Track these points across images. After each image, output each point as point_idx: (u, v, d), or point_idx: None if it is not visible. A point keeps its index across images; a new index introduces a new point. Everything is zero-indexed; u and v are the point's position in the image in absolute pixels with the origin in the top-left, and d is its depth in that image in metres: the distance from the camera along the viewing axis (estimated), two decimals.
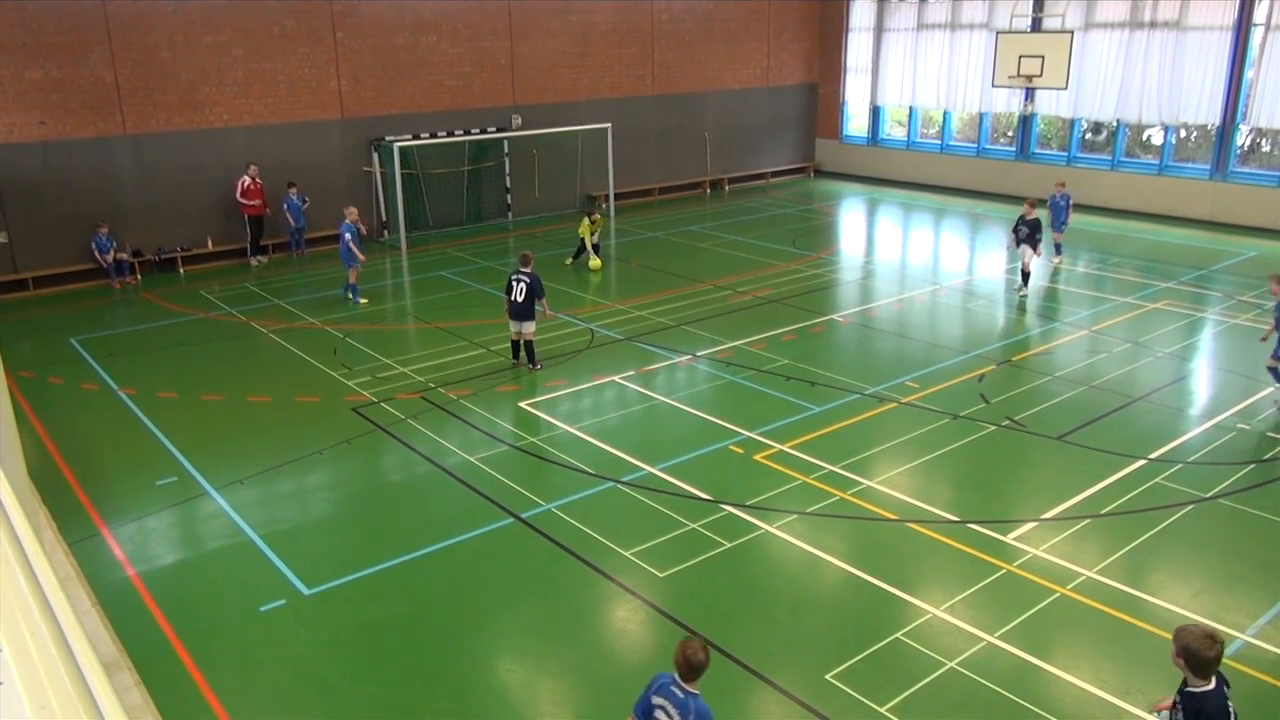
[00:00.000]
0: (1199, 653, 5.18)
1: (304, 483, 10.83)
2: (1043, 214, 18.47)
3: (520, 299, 13.41)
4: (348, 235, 17.09)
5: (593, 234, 19.94)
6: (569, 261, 20.22)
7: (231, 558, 9.31)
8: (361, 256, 17.42)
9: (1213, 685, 5.25)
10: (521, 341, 13.84)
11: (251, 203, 20.16)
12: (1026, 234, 17.19)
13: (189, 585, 8.93)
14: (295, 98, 20.93)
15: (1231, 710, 5.25)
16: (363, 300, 17.56)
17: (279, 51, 20.48)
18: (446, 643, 8.02)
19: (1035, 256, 17.32)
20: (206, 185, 20.17)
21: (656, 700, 5.61)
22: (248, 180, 20.02)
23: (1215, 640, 5.19)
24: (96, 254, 18.84)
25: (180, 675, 7.60)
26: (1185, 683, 5.31)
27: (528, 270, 13.53)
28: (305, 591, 8.69)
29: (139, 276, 19.48)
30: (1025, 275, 17.45)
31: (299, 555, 9.29)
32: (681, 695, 5.51)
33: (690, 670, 5.50)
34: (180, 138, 19.71)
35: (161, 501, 10.38)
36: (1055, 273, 19.08)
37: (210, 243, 20.43)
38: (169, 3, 18.92)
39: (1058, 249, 19.53)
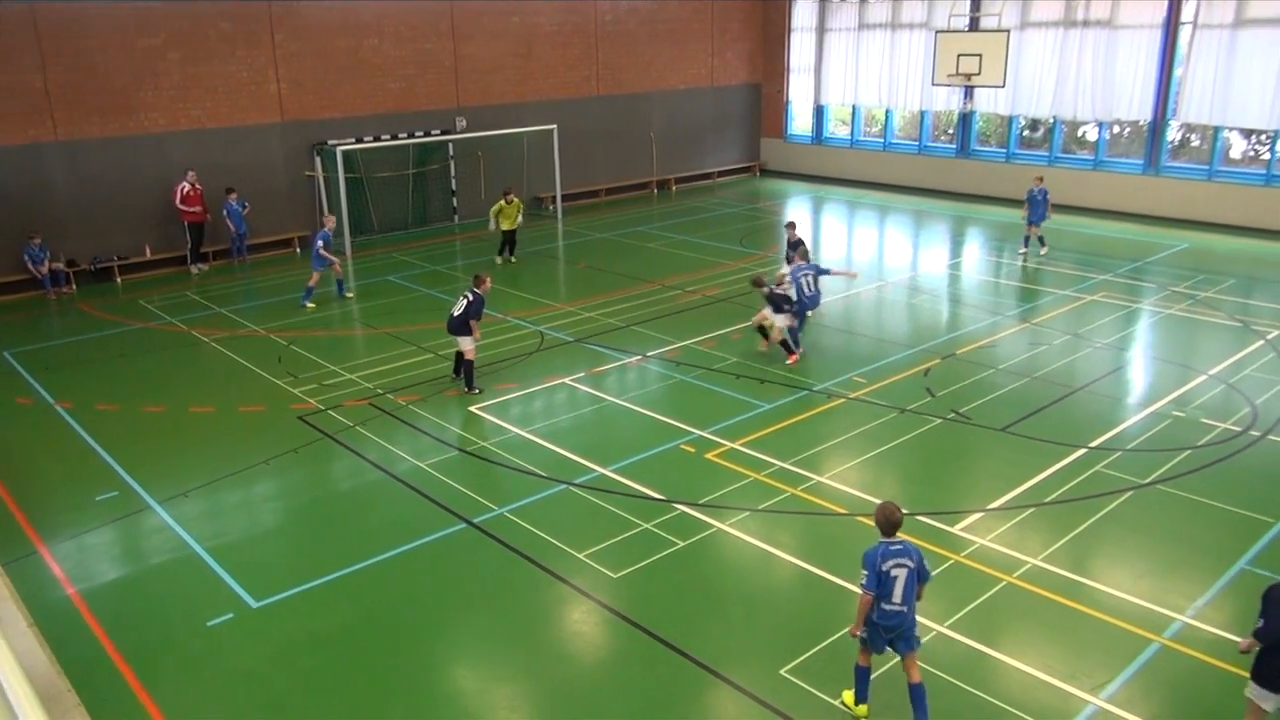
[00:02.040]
0: None
1: (250, 494, 10.65)
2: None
3: (456, 313, 13.02)
4: (319, 242, 17.21)
5: (515, 220, 20.11)
6: (499, 260, 20.23)
7: (176, 572, 9.12)
8: (334, 260, 17.53)
9: None
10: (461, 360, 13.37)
11: (191, 209, 19.76)
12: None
13: (132, 602, 8.73)
14: (234, 101, 20.57)
15: None
16: (310, 305, 17.39)
17: (216, 54, 20.11)
18: (400, 652, 7.93)
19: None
20: (143, 192, 19.73)
21: (888, 565, 6.61)
22: (186, 187, 19.63)
23: None
24: (30, 265, 18.34)
25: (125, 696, 7.42)
26: None
27: (477, 291, 13.02)
28: (253, 604, 8.54)
29: (74, 286, 19.00)
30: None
31: (246, 568, 9.13)
32: (900, 545, 6.68)
33: (894, 527, 6.71)
34: (115, 144, 19.26)
35: (102, 517, 10.14)
36: (1024, 267, 19.47)
37: (148, 251, 19.99)
38: (100, 4, 18.47)
39: (1041, 241, 19.96)
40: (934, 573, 8.59)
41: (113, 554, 9.54)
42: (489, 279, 13.46)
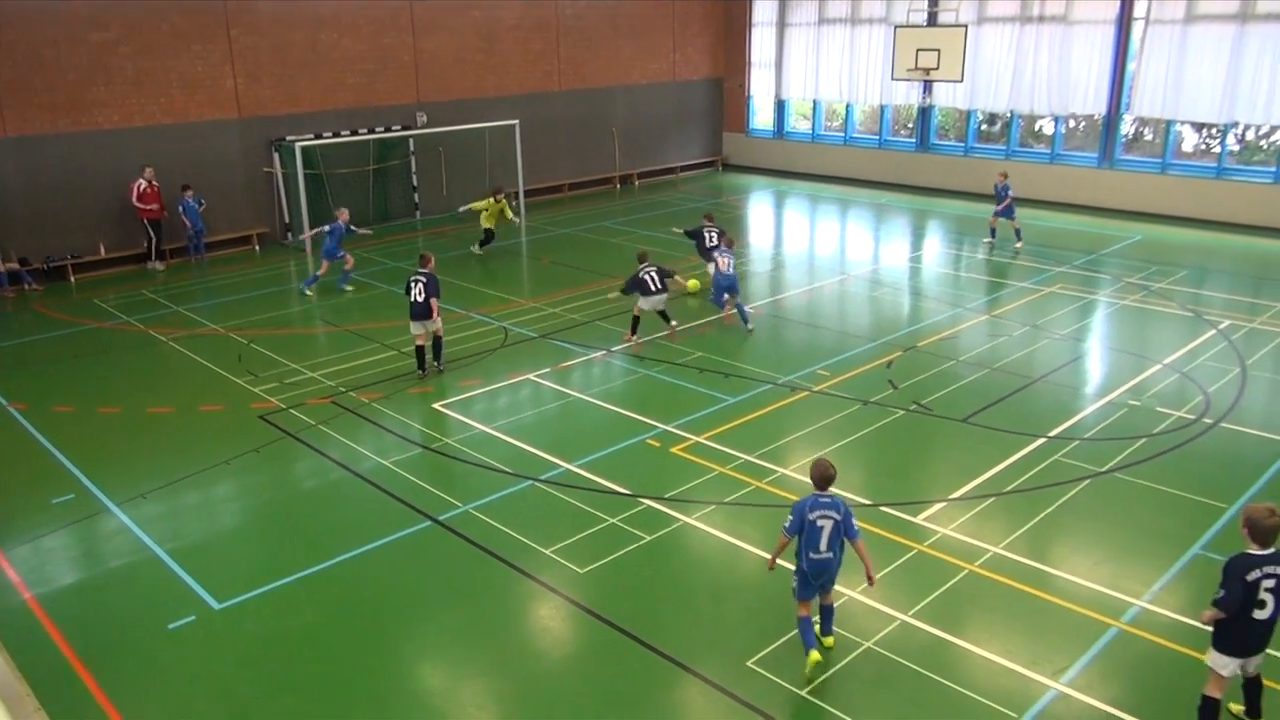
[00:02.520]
0: (1258, 521, 6.19)
1: (211, 494, 10.51)
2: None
3: (419, 299, 13.21)
4: (333, 236, 17.97)
5: (500, 217, 20.49)
6: (477, 250, 20.33)
7: (136, 575, 8.99)
8: (343, 253, 18.16)
9: (1264, 552, 6.20)
10: (429, 343, 13.56)
11: (148, 207, 19.45)
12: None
13: (91, 606, 8.59)
14: (189, 97, 20.25)
15: (1259, 576, 6.15)
16: (309, 292, 18.04)
17: (170, 49, 19.78)
18: (365, 651, 7.88)
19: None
20: (97, 189, 19.37)
21: (815, 515, 7.19)
22: (143, 184, 19.31)
23: (1274, 513, 6.19)
24: None
25: (85, 701, 7.31)
26: None
27: (425, 270, 13.37)
28: (216, 606, 8.44)
29: (34, 285, 18.58)
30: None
31: (208, 569, 9.02)
32: (829, 499, 7.24)
33: (826, 481, 7.27)
34: (67, 140, 18.89)
35: (59, 520, 9.96)
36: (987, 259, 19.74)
37: (103, 249, 19.64)
38: (51, 2, 18.11)
39: (992, 232, 20.49)
40: (898, 563, 8.74)
41: (70, 557, 9.38)
42: (432, 256, 13.82)
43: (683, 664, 7.55)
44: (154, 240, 19.78)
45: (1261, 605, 6.24)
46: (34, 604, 8.53)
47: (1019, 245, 19.89)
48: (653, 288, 14.54)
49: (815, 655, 7.24)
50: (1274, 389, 12.79)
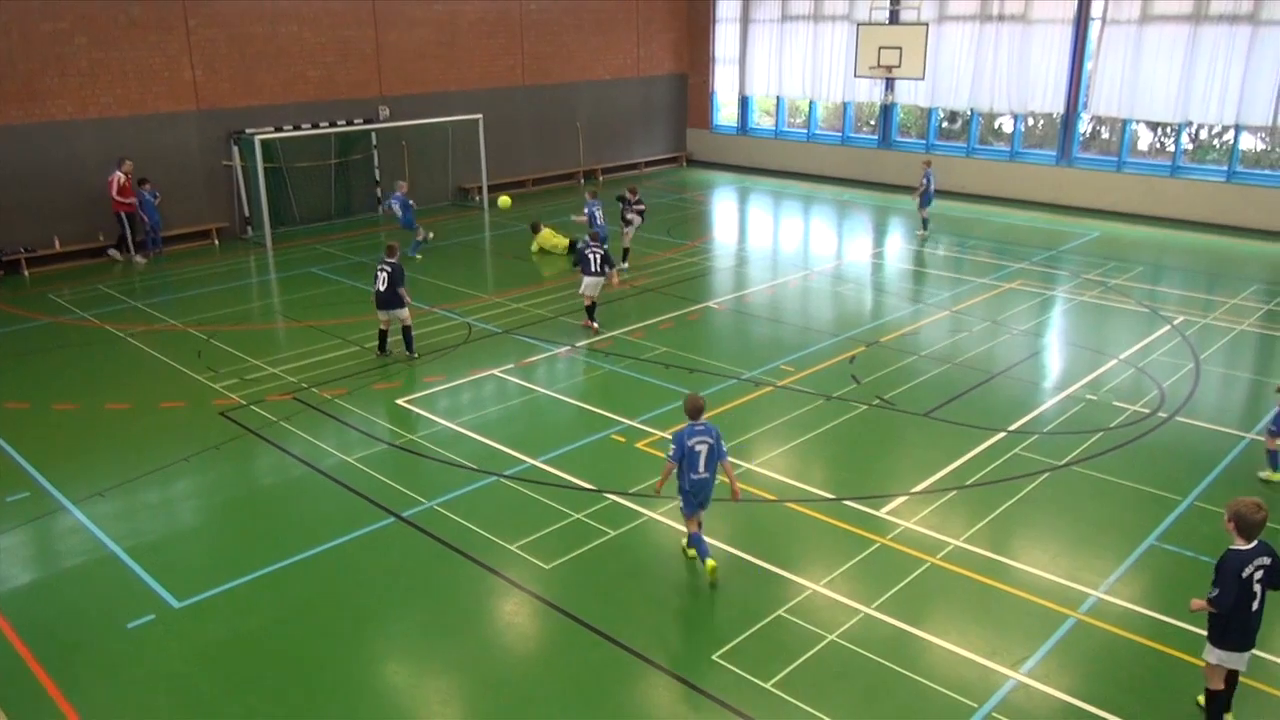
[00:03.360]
0: (1246, 516, 6.34)
1: (170, 492, 10.37)
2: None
3: (383, 288, 13.55)
4: (395, 205, 19.73)
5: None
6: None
7: (93, 574, 8.85)
8: (415, 223, 19.84)
9: (1249, 546, 6.39)
10: (399, 329, 13.92)
11: (126, 200, 19.18)
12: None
13: (47, 606, 8.44)
14: (146, 89, 19.90)
15: (1251, 570, 6.32)
16: (419, 256, 19.45)
17: (125, 40, 19.42)
18: (328, 649, 7.82)
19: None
20: (52, 182, 18.99)
21: (694, 441, 8.33)
22: (121, 177, 19.04)
23: (1261, 508, 6.37)
24: None
25: (42, 702, 7.19)
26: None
27: (391, 260, 13.69)
28: (175, 605, 8.33)
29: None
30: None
31: (167, 568, 8.90)
32: (703, 426, 8.43)
33: (698, 411, 8.50)
34: (19, 131, 18.48)
35: (12, 519, 9.77)
36: (919, 252, 19.95)
37: (58, 243, 19.26)
38: None
39: (924, 224, 21.06)
40: (860, 556, 8.84)
41: (25, 556, 9.21)
42: (398, 246, 14.25)
43: (648, 658, 7.57)
44: (131, 233, 19.54)
45: (1254, 597, 6.40)
46: None
47: (923, 234, 20.96)
48: (593, 268, 14.77)
49: (712, 563, 8.38)
50: (1226, 383, 13.08)
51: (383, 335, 13.95)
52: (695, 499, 8.49)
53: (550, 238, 20.24)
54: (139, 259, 19.68)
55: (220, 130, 21.10)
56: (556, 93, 27.49)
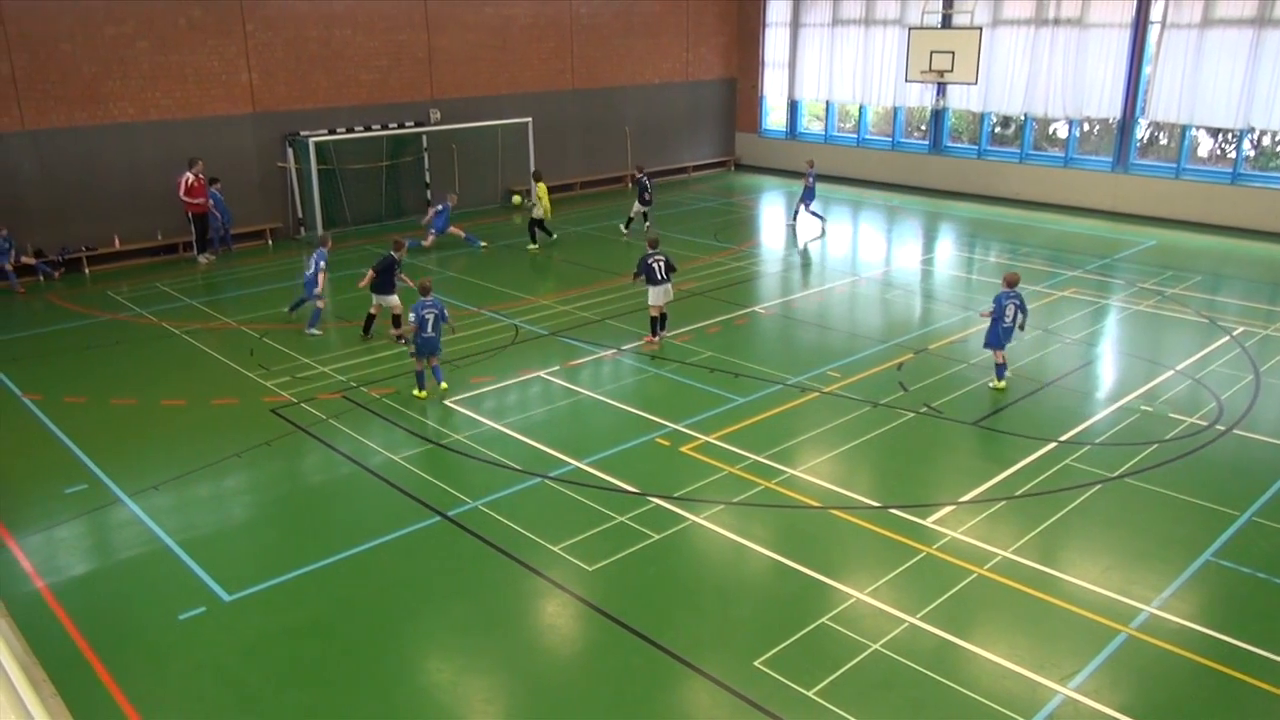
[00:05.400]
0: None
1: (222, 487, 10.57)
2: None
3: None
4: (440, 213, 20.61)
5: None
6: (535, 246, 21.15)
7: (147, 566, 9.04)
8: (448, 229, 20.75)
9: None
10: (380, 313, 15.10)
11: (195, 200, 19.63)
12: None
13: (102, 596, 8.64)
14: (204, 92, 20.34)
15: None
16: (483, 245, 21.04)
17: (186, 44, 19.87)
18: (373, 645, 7.91)
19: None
20: (112, 182, 19.47)
21: (424, 312, 12.28)
22: (191, 177, 19.48)
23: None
24: None
25: (96, 689, 7.36)
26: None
27: (382, 253, 15.07)
28: (225, 598, 8.49)
29: (55, 274, 18.74)
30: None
31: (218, 561, 9.07)
32: (432, 300, 12.42)
33: (427, 291, 12.47)
34: (83, 133, 18.99)
35: (71, 510, 10.02)
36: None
37: (117, 242, 19.74)
38: None
39: (820, 216, 22.70)
40: (906, 565, 8.74)
41: (83, 547, 9.45)
42: (405, 242, 15.68)
43: (690, 663, 7.55)
44: (199, 233, 20.01)
45: None
46: (46, 593, 8.59)
47: (817, 229, 22.47)
48: (659, 275, 14.48)
49: (423, 394, 12.51)
50: None
51: (370, 318, 15.08)
52: (425, 350, 12.45)
53: (544, 193, 21.00)
54: (202, 258, 20.10)
55: (275, 133, 21.48)
56: (605, 97, 27.58)
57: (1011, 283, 12.68)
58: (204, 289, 18.29)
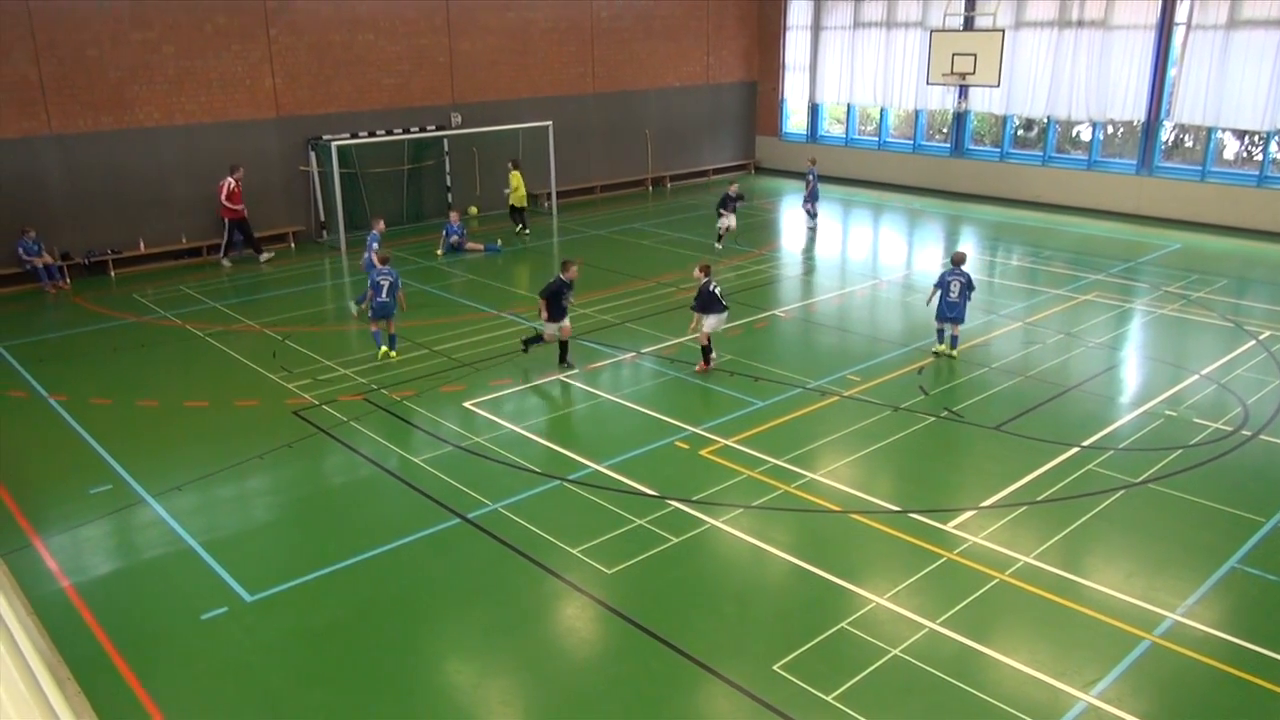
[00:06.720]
0: None
1: (244, 488, 10.65)
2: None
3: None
4: (456, 234, 21.00)
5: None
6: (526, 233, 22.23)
7: (170, 566, 9.13)
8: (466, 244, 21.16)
9: None
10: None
11: (235, 206, 19.84)
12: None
13: (126, 595, 8.73)
14: (229, 96, 20.53)
15: None
16: (499, 243, 21.34)
17: (211, 49, 20.07)
18: (393, 646, 7.95)
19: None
20: (138, 186, 19.69)
21: (379, 278, 13.88)
22: (231, 183, 19.70)
23: None
24: (24, 258, 18.27)
25: (119, 687, 7.43)
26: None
27: (565, 277, 14.03)
28: (247, 598, 8.55)
29: (69, 280, 18.94)
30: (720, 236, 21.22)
31: (240, 561, 9.14)
32: (388, 270, 13.97)
33: (386, 262, 14.18)
34: (109, 137, 19.21)
35: (95, 510, 10.13)
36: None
37: (142, 245, 19.95)
38: (96, 1, 18.44)
39: (812, 216, 23.15)
40: (926, 570, 8.69)
41: (107, 547, 9.54)
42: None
43: (708, 667, 7.54)
44: (244, 237, 20.30)
45: None
46: (71, 592, 8.69)
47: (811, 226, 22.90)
48: (724, 304, 13.55)
49: (390, 353, 14.15)
50: None
51: (563, 346, 14.14)
52: (379, 314, 14.01)
53: (519, 181, 22.07)
54: (225, 261, 20.27)
55: (298, 136, 21.65)
56: (626, 100, 27.63)
57: (958, 261, 13.93)
58: (227, 292, 18.44)
